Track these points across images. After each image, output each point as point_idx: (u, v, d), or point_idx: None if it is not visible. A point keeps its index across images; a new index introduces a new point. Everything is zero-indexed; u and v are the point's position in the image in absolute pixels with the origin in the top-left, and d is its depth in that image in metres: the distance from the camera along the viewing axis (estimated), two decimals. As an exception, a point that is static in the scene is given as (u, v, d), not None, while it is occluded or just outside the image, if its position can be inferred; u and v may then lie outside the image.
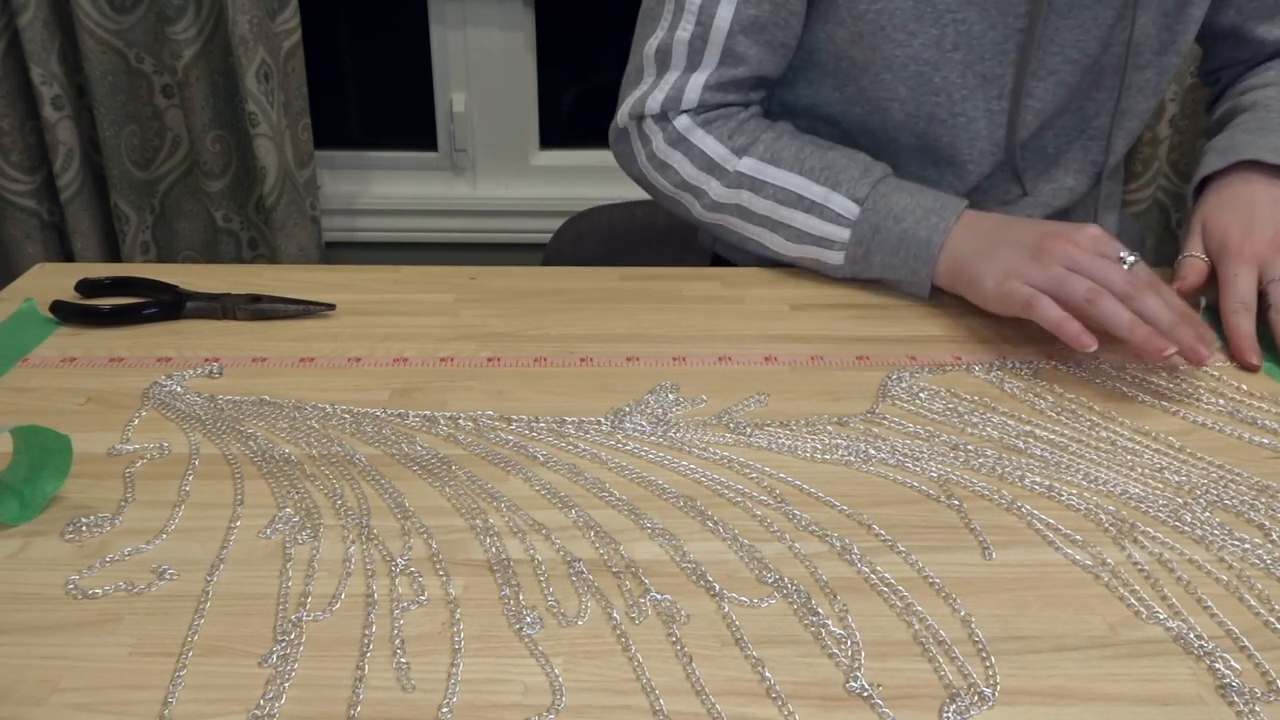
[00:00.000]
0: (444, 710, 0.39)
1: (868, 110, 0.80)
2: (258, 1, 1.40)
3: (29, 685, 0.40)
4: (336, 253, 1.69)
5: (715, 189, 0.77)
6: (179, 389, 0.62)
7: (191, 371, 0.63)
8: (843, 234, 0.73)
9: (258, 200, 1.55)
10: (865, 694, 0.40)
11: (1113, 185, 0.90)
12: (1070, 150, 0.83)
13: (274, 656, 0.42)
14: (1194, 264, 0.72)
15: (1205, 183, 0.77)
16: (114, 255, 1.60)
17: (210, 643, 0.43)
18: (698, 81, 0.77)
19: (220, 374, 0.64)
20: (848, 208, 0.73)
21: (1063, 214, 0.86)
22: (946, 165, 0.81)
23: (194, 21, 1.43)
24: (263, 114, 1.45)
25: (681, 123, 0.78)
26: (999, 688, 0.41)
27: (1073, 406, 0.61)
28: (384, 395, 0.61)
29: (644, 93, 0.79)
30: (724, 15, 0.75)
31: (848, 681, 0.41)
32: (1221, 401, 0.62)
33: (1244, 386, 0.63)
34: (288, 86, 1.49)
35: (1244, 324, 0.67)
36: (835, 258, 0.74)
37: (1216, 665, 0.42)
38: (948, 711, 0.39)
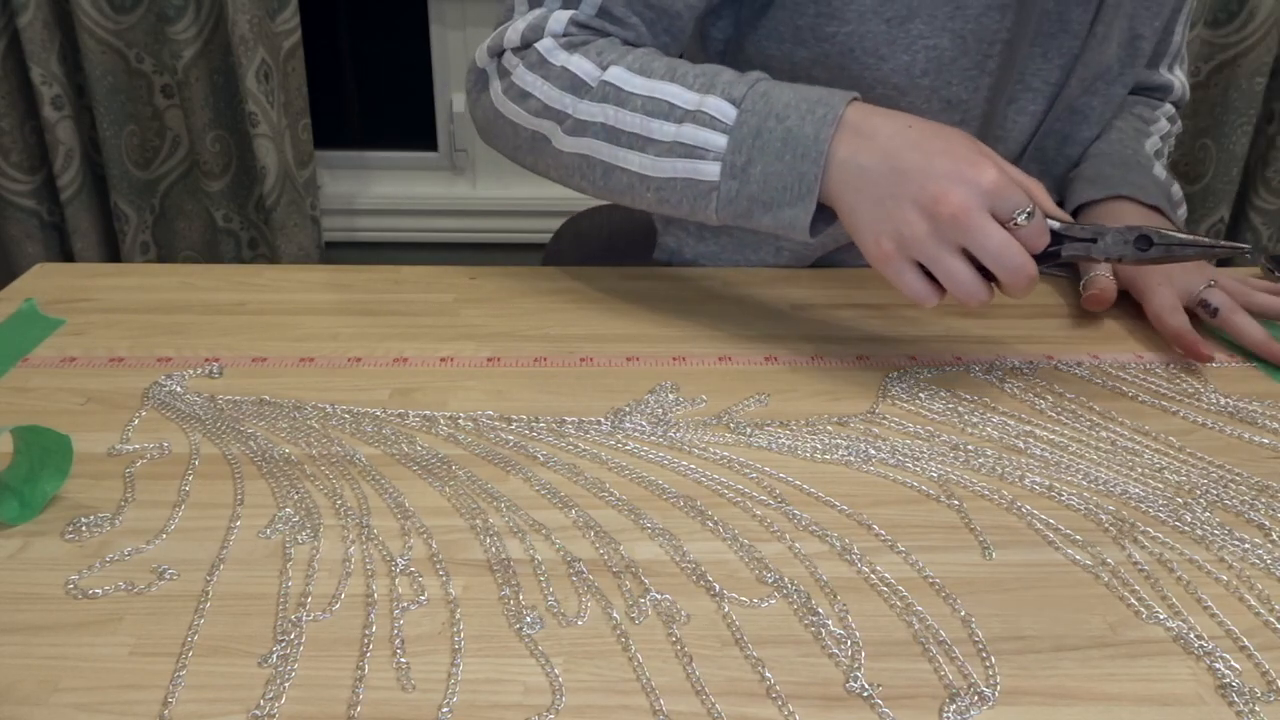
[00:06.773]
0: (444, 710, 0.39)
1: None
2: (258, 1, 1.41)
3: (29, 685, 0.40)
4: (336, 253, 1.69)
5: (579, 107, 0.66)
6: (179, 389, 0.62)
7: (191, 371, 0.63)
8: (719, 140, 0.62)
9: (258, 200, 1.55)
10: (865, 694, 0.40)
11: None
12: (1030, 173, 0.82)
13: (274, 656, 0.42)
14: (1104, 282, 0.71)
15: (1080, 208, 0.78)
16: (114, 255, 1.60)
17: (210, 643, 0.43)
18: (565, 15, 0.69)
19: (220, 374, 0.64)
20: (724, 110, 0.62)
21: None
22: None
23: (194, 21, 1.43)
24: (263, 114, 1.45)
25: (544, 45, 0.69)
26: (999, 688, 0.41)
27: (1073, 406, 0.61)
28: (384, 395, 0.61)
29: (505, 27, 0.71)
30: None
31: (848, 681, 0.41)
32: (1222, 401, 0.62)
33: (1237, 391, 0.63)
34: (288, 86, 1.49)
35: (1183, 321, 0.67)
36: (710, 170, 0.62)
37: (1216, 665, 0.42)
38: (948, 711, 0.39)
